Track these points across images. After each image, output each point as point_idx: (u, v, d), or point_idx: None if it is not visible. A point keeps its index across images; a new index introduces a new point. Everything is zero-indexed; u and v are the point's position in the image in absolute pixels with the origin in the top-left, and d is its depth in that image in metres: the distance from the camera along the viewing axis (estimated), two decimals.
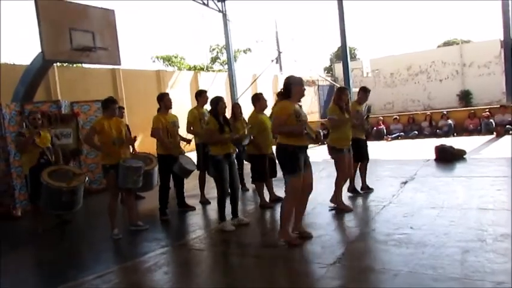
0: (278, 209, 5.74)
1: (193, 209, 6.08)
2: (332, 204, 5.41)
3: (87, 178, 5.67)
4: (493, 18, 54.86)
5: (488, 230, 4.03)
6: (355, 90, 20.69)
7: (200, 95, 6.42)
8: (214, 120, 4.94)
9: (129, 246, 4.86)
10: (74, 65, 12.31)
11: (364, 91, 6.15)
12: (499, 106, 13.14)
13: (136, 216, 5.39)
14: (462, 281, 3.09)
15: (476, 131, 12.19)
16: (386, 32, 60.30)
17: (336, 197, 5.38)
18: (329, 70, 30.46)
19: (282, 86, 4.34)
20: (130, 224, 5.27)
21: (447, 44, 29.95)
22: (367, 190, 6.13)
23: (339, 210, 5.27)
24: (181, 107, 8.57)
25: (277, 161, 4.42)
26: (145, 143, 10.24)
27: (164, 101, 5.75)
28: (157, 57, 21.80)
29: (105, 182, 5.53)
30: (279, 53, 20.86)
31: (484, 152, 9.15)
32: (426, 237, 4.07)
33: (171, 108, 5.83)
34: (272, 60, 19.33)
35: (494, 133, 11.54)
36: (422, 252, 3.73)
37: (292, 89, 4.18)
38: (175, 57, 21.74)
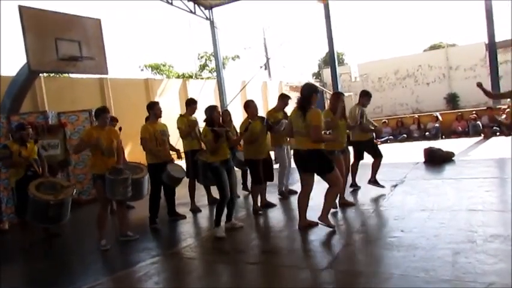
0: (269, 215, 5.76)
1: (183, 217, 6.03)
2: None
3: (75, 190, 5.59)
4: (477, 22, 55.85)
5: (478, 231, 4.05)
6: (346, 94, 20.84)
7: (190, 105, 6.43)
8: (209, 130, 4.92)
9: (119, 256, 4.79)
10: (61, 75, 12.21)
11: (366, 95, 6.52)
12: (485, 108, 13.32)
13: (126, 226, 5.32)
14: (453, 283, 3.10)
15: (464, 133, 12.34)
16: (373, 37, 60.99)
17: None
18: (317, 75, 30.63)
19: (300, 94, 4.69)
20: (121, 235, 5.20)
21: (433, 47, 30.33)
22: (377, 185, 6.35)
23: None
24: (170, 115, 8.50)
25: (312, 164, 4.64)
26: (135, 152, 10.16)
27: (154, 110, 5.72)
28: (145, 66, 21.75)
29: (94, 192, 5.44)
30: (268, 59, 20.97)
31: (472, 154, 9.25)
32: (417, 240, 4.08)
33: (160, 117, 5.81)
34: (261, 67, 19.42)
35: (482, 135, 11.69)
36: (414, 255, 3.73)
37: (312, 97, 4.60)
38: (163, 66, 21.70)
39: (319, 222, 4.65)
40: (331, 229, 4.61)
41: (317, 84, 23.54)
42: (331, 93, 15.82)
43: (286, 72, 28.29)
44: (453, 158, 8.29)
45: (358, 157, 6.45)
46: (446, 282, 3.12)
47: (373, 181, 6.40)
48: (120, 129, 5.69)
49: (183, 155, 6.34)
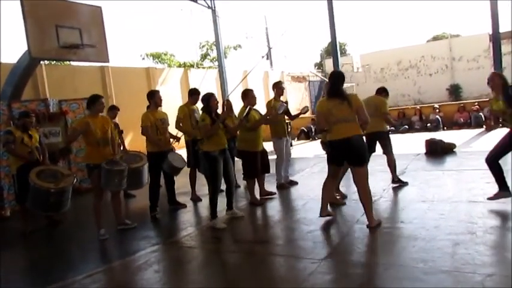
0: (269, 205, 5.77)
1: (184, 206, 6.05)
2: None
3: (76, 178, 5.59)
4: (481, 12, 55.29)
5: (478, 223, 4.05)
6: (346, 85, 20.77)
7: (192, 95, 6.39)
8: (208, 116, 4.91)
9: (119, 245, 4.81)
10: (62, 63, 12.16)
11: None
12: (488, 99, 13.25)
13: (122, 215, 5.33)
14: (452, 274, 3.10)
15: (466, 125, 12.30)
16: (376, 27, 60.57)
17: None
18: (319, 66, 30.47)
19: (331, 82, 4.46)
20: (118, 224, 5.21)
21: (436, 38, 30.12)
22: (400, 183, 5.99)
23: (331, 203, 5.26)
24: (172, 104, 8.51)
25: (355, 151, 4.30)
26: (135, 141, 10.17)
27: (155, 99, 5.70)
28: (146, 55, 21.66)
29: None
30: (269, 48, 20.83)
31: (474, 145, 9.23)
32: (417, 231, 4.08)
33: (161, 106, 5.79)
34: (262, 56, 19.26)
35: (484, 126, 11.65)
36: (413, 246, 3.74)
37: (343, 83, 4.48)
38: (164, 55, 21.61)
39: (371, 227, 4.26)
40: (330, 220, 4.61)
41: (319, 74, 23.44)
42: None
43: (288, 62, 28.17)
44: (454, 150, 8.28)
45: (371, 149, 6.06)
46: (445, 273, 3.12)
47: (397, 180, 6.04)
48: (121, 132, 5.61)
49: (183, 142, 6.34)
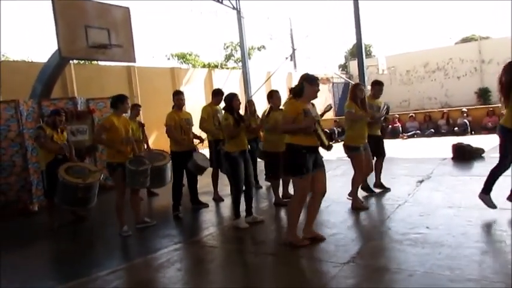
0: None
1: (206, 206, 6.09)
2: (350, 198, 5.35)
3: (102, 175, 5.72)
4: None
5: (508, 231, 3.92)
6: (369, 87, 20.46)
7: (216, 95, 6.42)
8: (230, 115, 4.94)
9: (142, 242, 4.88)
10: (90, 63, 12.46)
11: (378, 84, 6.03)
12: None
13: (141, 214, 5.39)
14: (480, 282, 3.01)
15: (495, 129, 11.91)
16: (402, 29, 59.44)
17: (353, 196, 5.32)
18: (344, 67, 30.18)
19: (296, 83, 4.26)
20: (137, 223, 5.27)
21: (465, 40, 29.34)
22: (381, 188, 6.02)
23: (355, 208, 5.20)
24: (196, 104, 8.60)
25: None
26: (160, 140, 10.31)
27: (174, 100, 5.76)
28: (172, 55, 21.96)
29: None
30: (293, 50, 20.77)
31: None
32: (443, 237, 3.98)
33: (181, 107, 5.80)
34: (286, 58, 19.22)
35: None
36: (439, 253, 3.65)
37: (305, 88, 4.07)
38: (189, 55, 21.84)
39: None
40: (353, 223, 4.55)
41: (343, 76, 23.21)
42: None
43: (312, 64, 28.04)
44: (483, 155, 8.04)
45: (378, 153, 5.99)
46: (472, 282, 3.04)
47: (379, 185, 6.04)
48: (143, 125, 5.69)
49: (206, 144, 6.38)
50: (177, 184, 5.77)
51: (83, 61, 11.19)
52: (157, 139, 11.05)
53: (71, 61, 9.29)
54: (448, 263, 3.39)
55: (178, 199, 5.76)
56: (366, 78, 15.46)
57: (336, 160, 9.33)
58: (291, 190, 6.11)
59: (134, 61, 8.41)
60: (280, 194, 5.97)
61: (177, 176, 5.75)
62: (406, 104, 23.61)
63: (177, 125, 5.64)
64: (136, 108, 7.07)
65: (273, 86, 17.05)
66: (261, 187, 7.02)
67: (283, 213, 5.59)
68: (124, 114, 5.26)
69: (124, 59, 8.25)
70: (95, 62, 11.54)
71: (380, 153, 6.02)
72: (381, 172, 6.10)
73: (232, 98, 5.04)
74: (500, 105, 4.73)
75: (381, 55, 23.35)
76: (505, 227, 4.02)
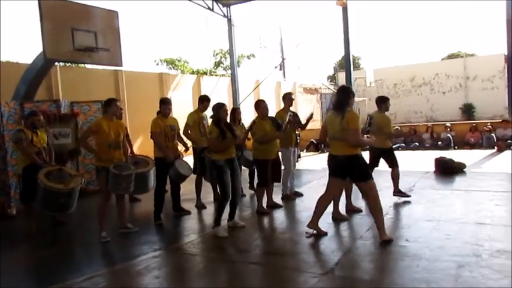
0: (274, 216, 5.73)
1: (188, 213, 6.04)
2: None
3: (83, 179, 5.64)
4: (498, 33, 54.92)
5: (485, 245, 3.96)
6: (358, 99, 20.65)
7: (202, 101, 6.42)
8: (216, 128, 4.91)
9: (121, 248, 4.81)
10: (77, 65, 12.35)
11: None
12: (500, 120, 13.09)
13: (125, 218, 5.35)
14: None
15: (478, 145, 12.13)
16: (390, 42, 60.42)
17: (334, 206, 5.31)
18: (332, 78, 30.48)
19: (338, 96, 4.48)
20: (120, 227, 5.23)
21: (451, 56, 29.95)
22: (402, 195, 6.12)
23: (336, 219, 5.22)
24: (183, 111, 8.54)
25: (353, 169, 4.38)
26: (146, 146, 10.22)
27: (161, 108, 5.70)
28: (160, 60, 21.89)
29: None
30: (283, 59, 20.90)
31: (485, 166, 9.09)
32: (421, 250, 4.02)
33: (167, 116, 5.73)
34: (276, 67, 19.34)
35: (496, 147, 11.48)
36: (417, 266, 3.67)
37: (350, 99, 4.41)
38: (178, 61, 21.81)
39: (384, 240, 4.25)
40: (334, 234, 4.56)
41: (331, 87, 23.42)
42: None
43: (301, 74, 28.25)
44: (464, 170, 8.15)
45: (374, 164, 6.20)
46: None
47: (398, 191, 6.16)
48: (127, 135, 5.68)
49: (191, 149, 6.36)
50: (159, 190, 5.72)
51: (69, 64, 11.05)
52: (144, 144, 10.96)
53: (56, 63, 9.19)
54: (425, 276, 3.41)
55: (160, 206, 5.70)
56: (353, 90, 15.62)
57: (321, 170, 9.37)
58: (275, 198, 6.14)
59: (121, 65, 8.36)
60: (264, 203, 5.96)
61: (160, 182, 5.70)
62: (393, 117, 23.74)
63: (162, 131, 5.60)
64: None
65: (262, 95, 17.13)
66: (244, 195, 7.00)
67: (265, 221, 5.58)
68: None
69: (111, 62, 8.19)
70: (82, 65, 11.45)
71: (393, 164, 6.23)
72: (397, 182, 6.21)
73: (219, 109, 4.99)
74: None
75: (369, 68, 23.66)
76: (482, 242, 4.07)
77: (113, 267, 4.23)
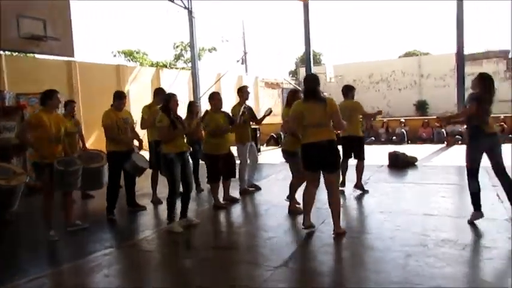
0: (231, 210, 5.71)
1: (143, 208, 5.90)
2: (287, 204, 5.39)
3: (28, 177, 5.33)
4: (451, 32, 57.55)
5: (431, 235, 4.13)
6: None
7: (158, 95, 6.26)
8: (166, 117, 4.79)
9: (71, 247, 4.62)
10: (25, 55, 11.72)
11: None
12: (434, 117, 13.71)
13: (73, 216, 5.12)
14: (402, 285, 3.13)
15: (429, 140, 12.67)
16: (351, 39, 61.89)
17: (290, 199, 5.36)
18: (294, 74, 30.80)
19: (307, 85, 4.37)
20: (68, 225, 4.99)
21: (408, 54, 31.06)
22: (362, 190, 6.12)
23: (291, 211, 5.25)
24: (141, 104, 8.28)
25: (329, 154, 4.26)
26: (101, 140, 9.86)
27: (115, 103, 5.51)
28: (118, 52, 21.19)
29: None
30: (245, 53, 20.85)
31: (434, 160, 9.50)
32: (373, 242, 4.14)
33: (120, 110, 5.54)
34: (238, 61, 19.29)
35: (445, 142, 12.03)
36: (369, 256, 3.79)
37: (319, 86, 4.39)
38: (137, 53, 21.22)
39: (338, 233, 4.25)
40: (289, 227, 4.59)
41: (293, 82, 23.66)
42: None
43: (263, 68, 28.36)
44: (416, 163, 8.48)
45: (347, 154, 6.19)
46: (395, 284, 3.15)
47: (360, 186, 6.17)
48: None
49: (146, 145, 6.19)
50: (112, 186, 5.53)
51: (16, 53, 10.46)
52: (100, 139, 10.55)
53: (1, 52, 8.65)
54: (375, 267, 3.52)
55: (113, 201, 5.52)
56: None
57: (280, 164, 9.43)
58: (233, 193, 6.11)
59: (73, 56, 7.99)
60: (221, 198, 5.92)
61: (113, 178, 5.51)
62: None
63: (114, 124, 5.41)
64: (71, 104, 6.73)
65: (223, 89, 17.00)
66: (202, 190, 6.92)
67: (222, 216, 5.54)
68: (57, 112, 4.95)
69: (62, 53, 7.80)
70: (31, 54, 10.86)
71: (361, 156, 6.18)
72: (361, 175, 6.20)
73: (170, 99, 4.88)
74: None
75: (329, 64, 24.08)
76: (429, 232, 4.23)
77: (60, 267, 4.05)
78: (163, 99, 4.93)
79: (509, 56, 23.71)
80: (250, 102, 6.66)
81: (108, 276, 3.70)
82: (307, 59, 15.71)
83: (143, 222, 5.47)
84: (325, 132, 4.18)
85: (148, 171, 6.12)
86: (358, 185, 6.17)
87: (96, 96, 11.86)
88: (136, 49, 21.53)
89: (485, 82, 4.41)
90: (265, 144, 13.95)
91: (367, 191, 6.12)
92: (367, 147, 12.07)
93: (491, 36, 59.44)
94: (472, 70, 21.72)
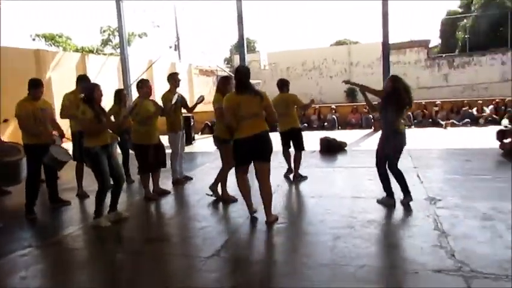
0: (163, 201, 5.55)
1: (68, 203, 5.53)
2: (210, 192, 5.34)
3: None
4: (378, 23, 60.54)
5: (358, 217, 4.32)
6: (253, 82, 21.12)
7: (81, 82, 5.84)
8: (89, 109, 4.49)
9: None
10: None
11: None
12: (376, 103, 14.46)
13: None
14: (331, 267, 3.25)
15: (358, 125, 13.28)
16: (285, 27, 62.85)
17: (222, 188, 5.30)
18: (229, 61, 30.63)
19: (239, 77, 4.30)
20: None
21: (339, 43, 32.21)
22: (301, 178, 6.19)
23: (223, 200, 5.21)
24: (64, 92, 7.70)
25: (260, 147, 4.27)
26: (19, 132, 9.10)
27: (31, 92, 5.04)
28: (37, 35, 19.52)
29: None
30: (178, 39, 20.29)
31: (363, 145, 9.97)
32: (304, 226, 4.25)
33: (37, 99, 5.09)
34: (170, 47, 18.73)
35: (373, 127, 12.69)
36: (300, 241, 3.88)
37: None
38: (59, 37, 19.71)
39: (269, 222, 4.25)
40: (222, 216, 4.56)
41: (227, 69, 23.51)
42: None
43: (197, 55, 27.82)
44: (346, 148, 8.84)
45: (288, 144, 6.33)
46: (324, 266, 3.26)
47: (299, 175, 6.23)
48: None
49: (69, 137, 5.79)
50: (31, 181, 5.10)
51: None
52: (16, 131, 9.74)
53: None
54: (306, 251, 3.61)
55: (33, 198, 5.09)
56: None
57: (214, 152, 9.35)
58: (164, 185, 5.93)
59: None
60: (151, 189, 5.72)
61: (31, 172, 5.08)
62: None
63: (30, 114, 4.96)
64: None
65: (156, 76, 16.45)
66: (133, 181, 6.65)
67: (153, 208, 5.37)
68: None
69: None
70: None
71: (300, 146, 6.27)
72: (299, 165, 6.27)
73: (93, 89, 4.57)
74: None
75: (263, 51, 24.29)
76: (356, 214, 4.42)
77: None
78: (86, 89, 4.60)
79: (430, 46, 25.54)
80: (184, 90, 6.47)
81: (26, 278, 3.42)
82: (240, 46, 15.63)
83: (67, 218, 5.13)
84: (261, 124, 4.23)
85: (73, 164, 5.76)
86: (297, 175, 6.26)
87: (12, 83, 10.85)
88: (58, 33, 20.01)
89: (395, 84, 4.63)
90: (199, 133, 13.76)
91: (305, 177, 6.23)
92: None
93: (415, 26, 63.64)
94: (397, 59, 23.17)
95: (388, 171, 4.76)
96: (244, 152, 4.28)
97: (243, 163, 4.37)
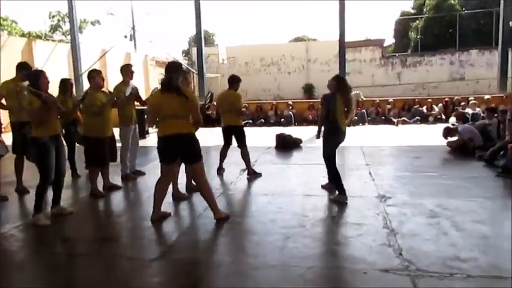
0: (111, 197, 5.30)
1: (5, 199, 5.16)
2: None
3: None
4: (335, 21, 61.77)
5: (309, 216, 4.30)
6: (210, 76, 20.80)
7: (21, 70, 5.43)
8: (35, 97, 4.18)
9: None
10: None
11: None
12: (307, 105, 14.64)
13: None
14: (279, 268, 3.19)
15: (314, 122, 13.41)
16: (244, 21, 62.58)
17: (173, 185, 5.12)
18: (187, 53, 30.04)
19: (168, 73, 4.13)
20: None
21: (297, 40, 32.44)
22: (255, 174, 6.15)
23: (175, 198, 5.05)
24: (5, 79, 7.13)
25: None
26: None
27: None
28: None
29: None
30: (133, 28, 19.59)
31: (317, 141, 10.02)
32: (255, 225, 4.17)
33: None
34: (125, 36, 18.04)
35: None
36: (249, 241, 3.79)
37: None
38: (4, 20, 18.41)
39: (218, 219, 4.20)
40: (171, 216, 4.42)
41: (185, 62, 23.06)
42: (196, 73, 15.59)
43: (154, 47, 26.96)
44: (301, 145, 8.88)
45: (228, 142, 6.31)
46: (272, 268, 3.20)
47: (253, 172, 6.18)
48: None
49: (7, 127, 5.38)
50: None
51: None
52: None
53: None
54: (254, 251, 3.53)
55: None
56: (205, 66, 15.61)
57: None
58: (114, 180, 5.67)
59: None
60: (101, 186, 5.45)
61: None
62: (244, 94, 24.55)
63: None
64: None
65: (110, 66, 15.83)
66: (79, 176, 6.32)
67: (100, 205, 5.12)
68: None
69: None
70: None
71: (242, 143, 6.23)
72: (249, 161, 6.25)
73: (39, 75, 4.29)
74: None
75: (222, 45, 24.00)
76: (307, 213, 4.41)
77: None
78: (31, 76, 4.27)
79: (384, 45, 26.32)
80: (139, 81, 6.21)
81: None
82: (197, 38, 15.37)
83: (4, 215, 4.75)
84: (184, 125, 4.08)
85: (12, 157, 5.38)
86: (250, 172, 6.18)
87: None
88: (3, 16, 18.69)
89: (339, 83, 4.87)
90: (154, 126, 13.36)
91: (260, 174, 6.17)
92: (256, 129, 12.49)
93: (371, 25, 65.45)
94: (353, 56, 23.69)
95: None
96: (165, 150, 4.16)
97: (165, 161, 4.23)
